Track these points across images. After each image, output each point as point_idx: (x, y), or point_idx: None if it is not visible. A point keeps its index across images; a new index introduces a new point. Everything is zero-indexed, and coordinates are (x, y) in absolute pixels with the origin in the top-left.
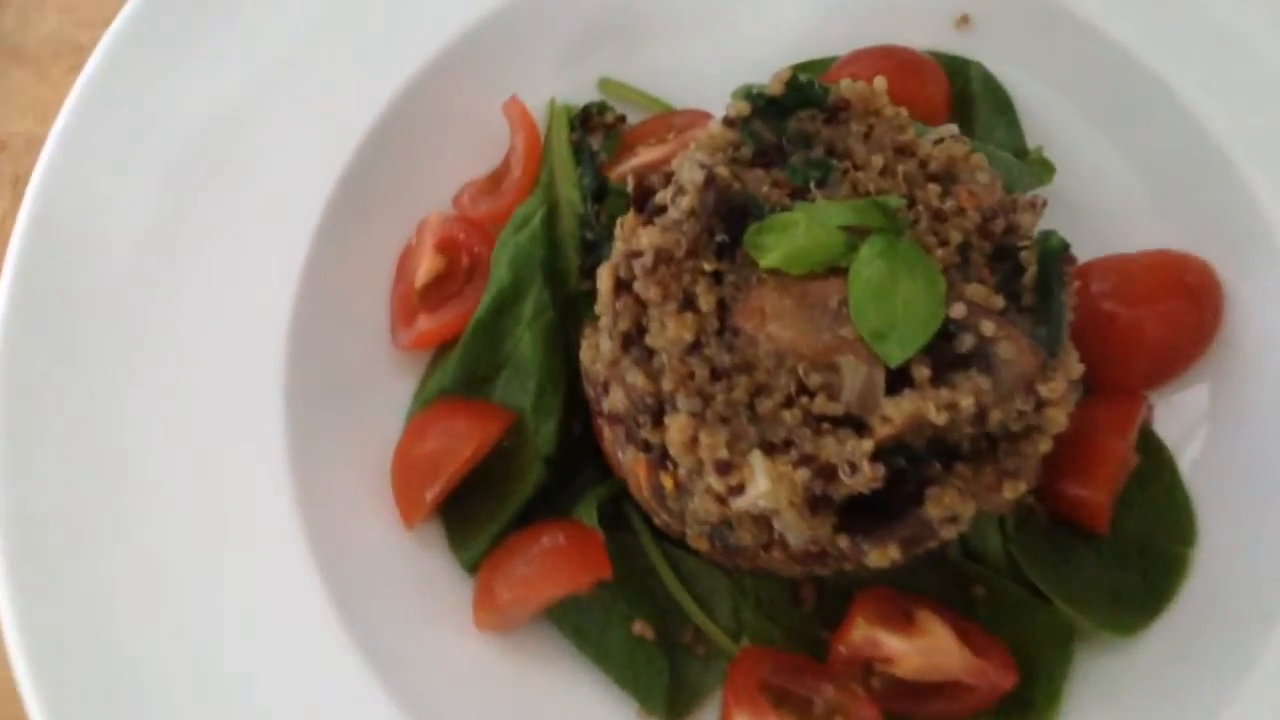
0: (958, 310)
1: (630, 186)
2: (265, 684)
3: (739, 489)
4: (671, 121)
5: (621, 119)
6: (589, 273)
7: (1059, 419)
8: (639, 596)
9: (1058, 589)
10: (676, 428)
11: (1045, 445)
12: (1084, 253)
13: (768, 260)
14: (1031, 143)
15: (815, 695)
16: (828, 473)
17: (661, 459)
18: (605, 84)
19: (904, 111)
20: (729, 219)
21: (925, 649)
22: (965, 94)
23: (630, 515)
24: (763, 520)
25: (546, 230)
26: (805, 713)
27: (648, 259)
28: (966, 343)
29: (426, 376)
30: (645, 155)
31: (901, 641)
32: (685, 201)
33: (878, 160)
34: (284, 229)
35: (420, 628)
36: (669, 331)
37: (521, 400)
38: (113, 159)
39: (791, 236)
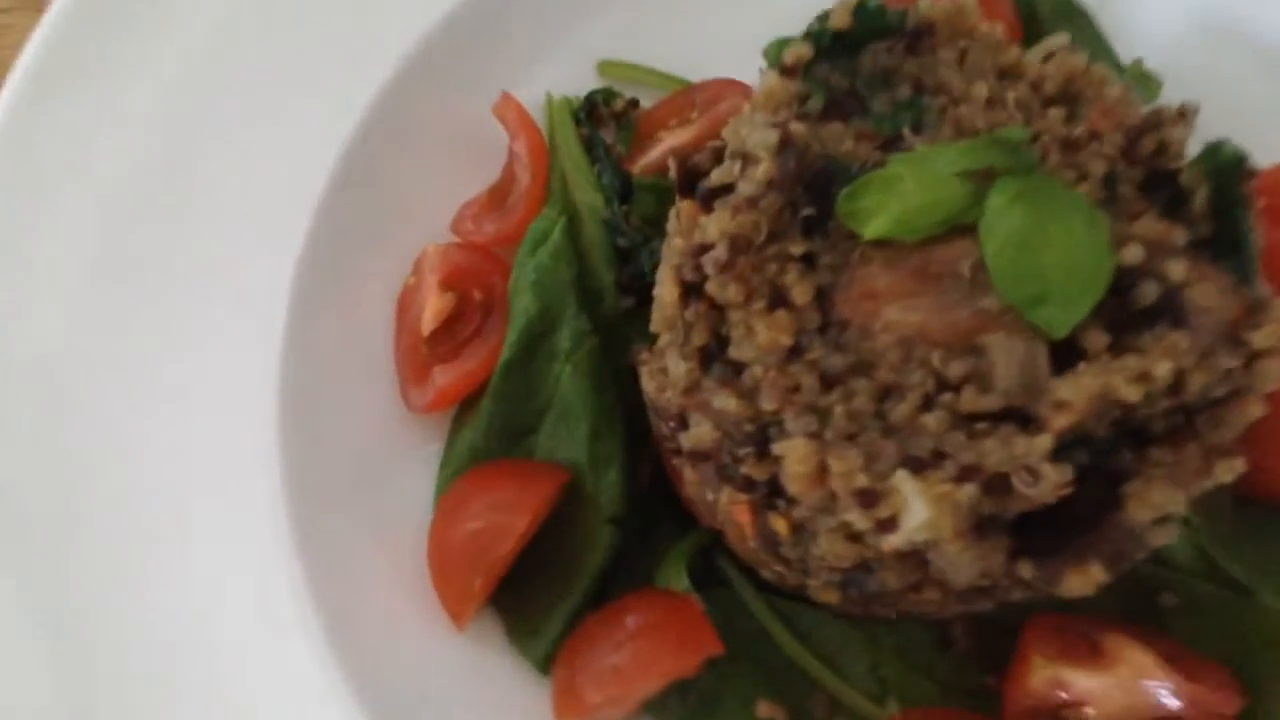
0: (1132, 254)
1: (672, 171)
2: None
3: (891, 524)
4: (693, 97)
5: (634, 104)
6: (628, 287)
7: (1274, 376)
8: (755, 669)
9: (1264, 580)
10: (796, 457)
11: (1257, 409)
12: None
13: (872, 229)
14: (1125, 57)
15: None
16: (998, 486)
17: (769, 498)
18: (605, 67)
19: (1000, 27)
20: (812, 188)
21: (1126, 683)
22: (1033, 17)
23: (725, 569)
24: (914, 556)
25: (570, 244)
26: None
27: (721, 251)
28: (1149, 293)
29: (452, 439)
30: (672, 139)
31: (1094, 678)
32: (759, 171)
33: (980, 89)
34: (254, 291)
35: None
36: (760, 337)
37: (573, 452)
38: (40, 216)
39: (898, 195)
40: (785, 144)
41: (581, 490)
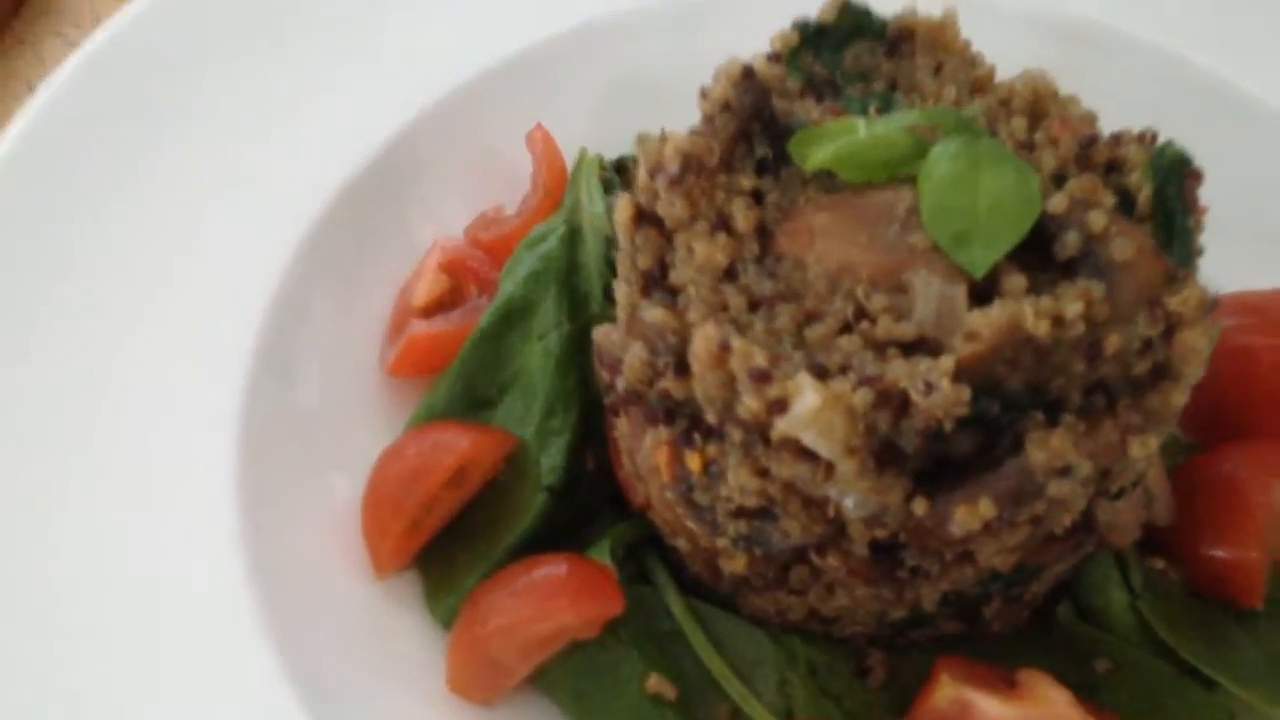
0: (1058, 204)
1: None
2: None
3: (781, 406)
4: None
5: None
6: (613, 296)
7: (1194, 349)
8: (659, 656)
9: (1211, 661)
10: (702, 337)
11: (1179, 397)
12: None
13: (816, 159)
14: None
15: None
16: (896, 401)
17: (688, 433)
18: (643, 139)
19: (973, 45)
20: (771, 129)
21: (1036, 718)
22: None
23: (654, 569)
24: (816, 504)
25: (566, 251)
26: None
27: (672, 167)
28: (1071, 243)
29: (418, 407)
30: None
31: (1003, 707)
32: (716, 91)
33: (950, 93)
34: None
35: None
36: (698, 256)
37: (525, 428)
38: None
39: (847, 136)
40: (747, 76)
41: (524, 462)
